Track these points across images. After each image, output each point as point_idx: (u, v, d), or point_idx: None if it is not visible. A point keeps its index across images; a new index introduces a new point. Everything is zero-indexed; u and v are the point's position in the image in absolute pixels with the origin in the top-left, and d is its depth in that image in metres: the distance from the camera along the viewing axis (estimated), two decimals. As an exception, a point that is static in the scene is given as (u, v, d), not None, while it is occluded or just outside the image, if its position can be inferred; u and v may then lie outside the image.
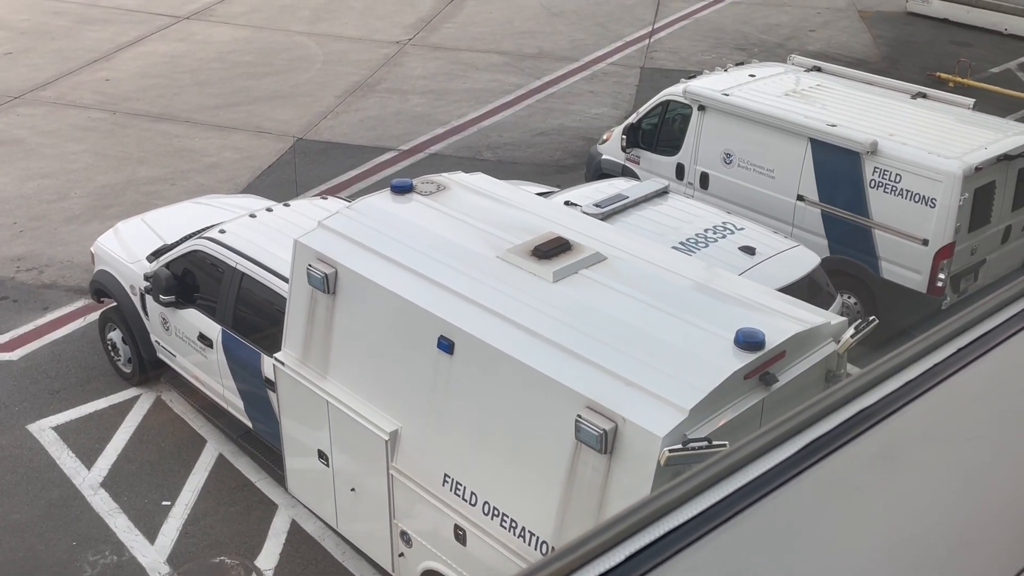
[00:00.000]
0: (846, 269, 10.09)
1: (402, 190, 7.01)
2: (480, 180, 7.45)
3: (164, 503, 8.32)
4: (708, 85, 11.29)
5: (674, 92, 11.52)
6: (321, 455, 7.05)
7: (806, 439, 1.31)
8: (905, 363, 1.44)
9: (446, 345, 5.87)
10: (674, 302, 5.81)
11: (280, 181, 13.65)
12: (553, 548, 5.53)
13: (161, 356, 9.40)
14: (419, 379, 6.13)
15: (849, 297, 10.15)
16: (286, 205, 9.20)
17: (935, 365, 1.45)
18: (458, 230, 6.59)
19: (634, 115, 12.14)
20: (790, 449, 1.28)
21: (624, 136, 11.95)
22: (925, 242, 9.53)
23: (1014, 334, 1.53)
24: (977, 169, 9.37)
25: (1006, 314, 1.56)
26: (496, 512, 5.81)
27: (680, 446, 4.83)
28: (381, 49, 18.93)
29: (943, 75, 17.08)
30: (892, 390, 1.40)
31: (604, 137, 12.72)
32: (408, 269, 6.23)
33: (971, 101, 10.76)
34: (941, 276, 9.56)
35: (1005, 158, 9.65)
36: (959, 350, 1.48)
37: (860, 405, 1.37)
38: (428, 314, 5.96)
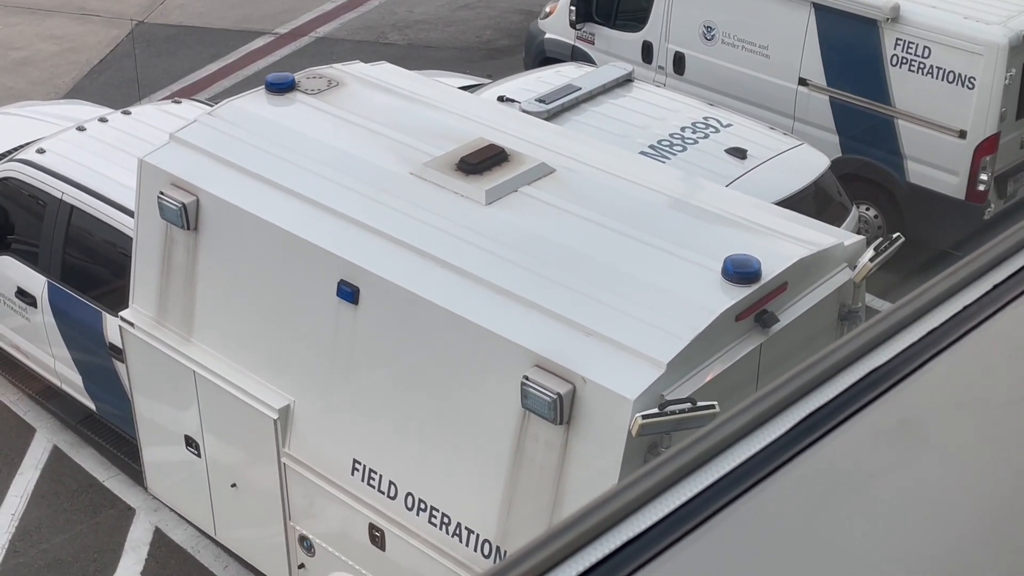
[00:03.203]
0: (863, 173, 10.24)
1: (281, 88, 6.95)
2: (385, 72, 7.39)
3: (-17, 515, 8.24)
4: (680, -64, 11.23)
5: (637, -54, 11.45)
6: (189, 442, 7.04)
7: (799, 414, 1.31)
8: (923, 310, 1.45)
9: (348, 293, 5.86)
10: (643, 225, 5.86)
11: (116, 80, 13.38)
12: (499, 549, 5.62)
13: (-33, 321, 9.26)
14: (315, 338, 6.13)
15: (868, 209, 10.33)
16: (126, 113, 9.07)
17: (962, 309, 1.46)
18: (358, 139, 6.56)
19: (584, -21, 12.06)
20: (779, 428, 1.29)
21: (573, 7, 11.89)
22: (962, 134, 9.70)
23: None
24: (1026, 37, 9.52)
25: None
26: (423, 506, 5.86)
27: (656, 410, 4.91)
28: None
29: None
30: (908, 344, 1.40)
31: (547, 9, 12.64)
32: (293, 193, 6.20)
33: (1018, -51, 10.88)
34: (983, 177, 9.76)
35: (1062, 22, 9.82)
36: (993, 288, 1.49)
37: (867, 367, 1.38)
38: (323, 252, 5.94)
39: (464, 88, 10.27)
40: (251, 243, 6.32)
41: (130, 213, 7.33)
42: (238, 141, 6.58)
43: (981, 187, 9.80)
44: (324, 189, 6.18)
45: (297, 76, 7.11)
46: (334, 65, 7.39)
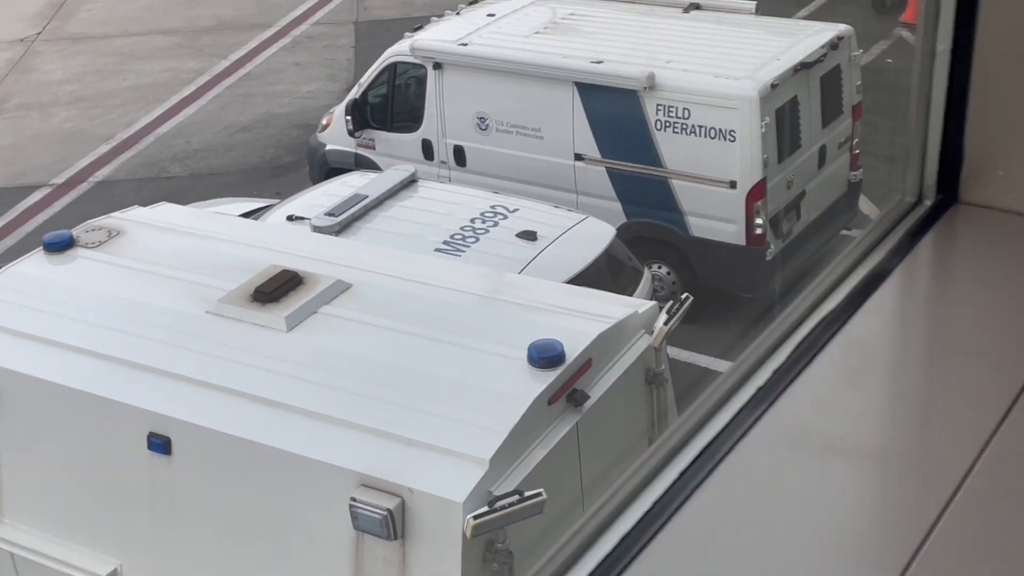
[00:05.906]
0: (649, 234, 10.52)
1: (60, 247, 6.79)
2: (165, 213, 7.32)
3: None
4: (440, 36, 11.45)
5: (400, 51, 11.62)
6: (18, 626, 6.65)
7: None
8: (670, 455, 1.45)
9: (159, 444, 5.69)
10: (446, 325, 5.89)
11: None
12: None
13: None
14: (133, 496, 5.93)
15: (660, 267, 10.59)
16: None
17: (707, 446, 1.47)
18: (147, 286, 6.44)
19: (356, 87, 12.15)
20: None
21: (349, 117, 11.93)
22: (732, 184, 10.09)
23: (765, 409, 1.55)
24: (773, 86, 10.02)
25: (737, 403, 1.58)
26: (271, 647, 5.67)
27: (487, 508, 4.88)
28: (0, 52, 18.05)
29: (716, -23, 18.16)
30: (655, 499, 1.40)
31: (324, 122, 12.65)
32: (87, 352, 6.03)
33: (752, 4, 11.49)
34: (758, 221, 10.15)
35: (803, 67, 10.38)
36: (729, 423, 1.51)
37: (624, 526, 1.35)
38: (127, 407, 5.78)
39: (253, 211, 10.17)
40: (52, 410, 6.07)
41: (-82, 399, 6.94)
42: (22, 308, 6.36)
43: (758, 231, 10.19)
44: (118, 342, 6.01)
45: (75, 232, 6.93)
46: (112, 214, 7.24)
